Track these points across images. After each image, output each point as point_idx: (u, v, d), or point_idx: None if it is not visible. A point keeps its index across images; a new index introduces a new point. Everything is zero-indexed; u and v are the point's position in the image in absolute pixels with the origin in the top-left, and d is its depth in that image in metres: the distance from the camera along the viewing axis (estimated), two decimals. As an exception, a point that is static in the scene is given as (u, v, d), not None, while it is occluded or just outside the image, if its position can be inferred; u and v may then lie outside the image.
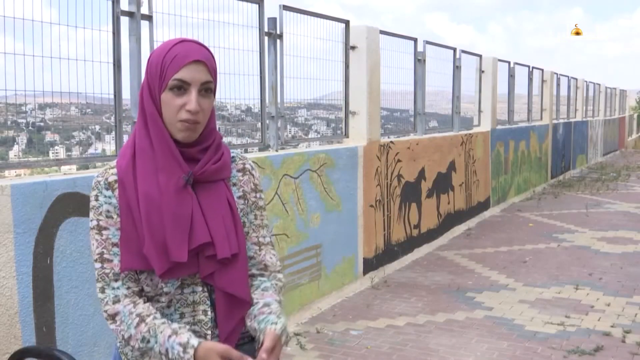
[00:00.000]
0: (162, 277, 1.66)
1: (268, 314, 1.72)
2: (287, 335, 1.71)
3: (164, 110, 1.67)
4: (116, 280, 1.68)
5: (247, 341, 1.81)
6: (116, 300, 1.67)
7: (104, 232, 1.69)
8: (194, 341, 1.60)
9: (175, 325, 1.65)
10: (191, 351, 1.58)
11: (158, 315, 1.67)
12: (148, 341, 1.63)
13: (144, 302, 1.69)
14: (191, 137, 1.70)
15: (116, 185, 1.69)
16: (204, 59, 1.68)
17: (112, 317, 1.67)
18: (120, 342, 1.74)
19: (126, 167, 1.69)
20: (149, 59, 1.73)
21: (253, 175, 1.86)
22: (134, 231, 1.67)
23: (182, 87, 1.66)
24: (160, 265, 1.65)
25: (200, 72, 1.67)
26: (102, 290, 1.69)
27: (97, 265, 1.70)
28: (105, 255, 1.69)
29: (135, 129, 1.74)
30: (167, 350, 1.61)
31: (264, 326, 1.68)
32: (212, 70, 1.70)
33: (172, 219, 1.65)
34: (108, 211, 1.69)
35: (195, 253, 1.68)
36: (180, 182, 1.67)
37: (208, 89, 1.69)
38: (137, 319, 1.65)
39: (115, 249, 1.68)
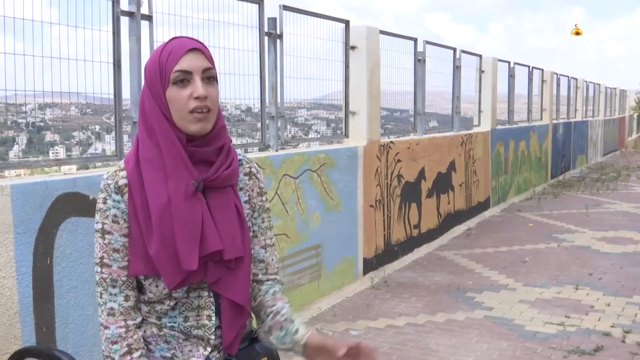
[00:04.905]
0: (172, 290, 1.66)
1: (289, 323, 1.78)
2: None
3: (172, 107, 1.65)
4: (114, 287, 1.67)
5: (247, 345, 1.82)
6: (111, 314, 1.67)
7: (107, 236, 1.67)
8: None
9: None
10: None
11: (145, 351, 1.69)
12: None
13: (138, 326, 1.70)
14: (206, 128, 1.66)
15: (126, 190, 1.67)
16: (200, 47, 1.68)
17: (105, 327, 1.68)
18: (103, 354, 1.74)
19: (133, 172, 1.67)
20: (145, 67, 1.72)
21: (258, 178, 1.85)
22: (141, 237, 1.65)
23: (184, 79, 1.64)
24: (170, 280, 1.64)
25: (199, 59, 1.66)
26: (100, 295, 1.69)
27: (97, 269, 1.69)
28: (105, 260, 1.68)
29: (137, 139, 1.71)
30: None
31: (295, 337, 1.75)
32: (210, 58, 1.70)
33: (182, 226, 1.63)
34: (115, 216, 1.67)
35: (204, 260, 1.67)
36: (190, 189, 1.65)
37: (211, 76, 1.68)
38: (126, 348, 1.66)
39: (116, 255, 1.67)
